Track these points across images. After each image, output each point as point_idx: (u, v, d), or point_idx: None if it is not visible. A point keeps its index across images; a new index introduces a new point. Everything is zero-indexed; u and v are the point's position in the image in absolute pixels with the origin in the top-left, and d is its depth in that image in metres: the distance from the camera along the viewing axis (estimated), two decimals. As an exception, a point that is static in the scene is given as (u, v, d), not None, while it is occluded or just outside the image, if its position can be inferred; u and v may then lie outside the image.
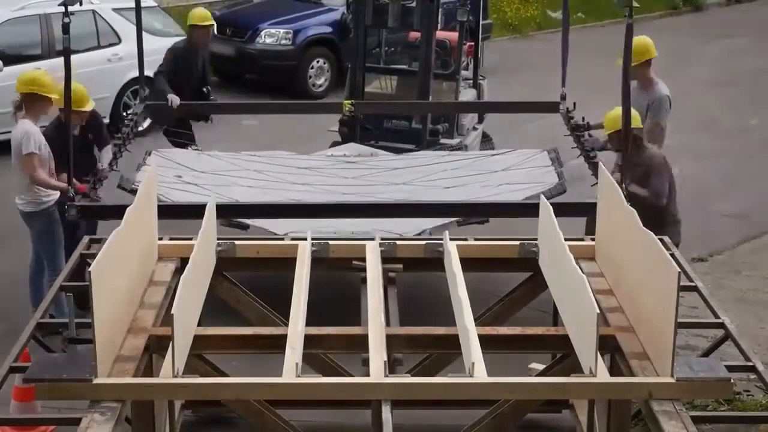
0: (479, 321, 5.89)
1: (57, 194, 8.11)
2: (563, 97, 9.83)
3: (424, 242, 6.33)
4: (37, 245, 8.40)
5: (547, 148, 9.73)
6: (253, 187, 8.93)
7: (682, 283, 4.69)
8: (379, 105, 10.90)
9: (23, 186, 8.17)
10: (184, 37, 11.67)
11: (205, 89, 10.96)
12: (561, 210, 5.99)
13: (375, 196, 8.70)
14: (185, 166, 9.32)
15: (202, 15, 10.99)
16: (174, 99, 10.12)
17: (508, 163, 9.60)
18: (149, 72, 10.63)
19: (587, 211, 6.55)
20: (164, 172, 8.82)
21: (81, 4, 7.35)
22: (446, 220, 8.02)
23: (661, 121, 8.44)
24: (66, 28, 6.97)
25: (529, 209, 6.67)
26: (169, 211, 7.59)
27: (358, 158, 9.87)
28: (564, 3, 10.08)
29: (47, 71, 8.89)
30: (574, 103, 9.61)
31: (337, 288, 7.07)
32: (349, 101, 10.13)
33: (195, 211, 6.48)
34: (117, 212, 7.38)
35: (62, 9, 6.97)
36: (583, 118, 9.08)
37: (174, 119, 10.52)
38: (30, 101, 8.10)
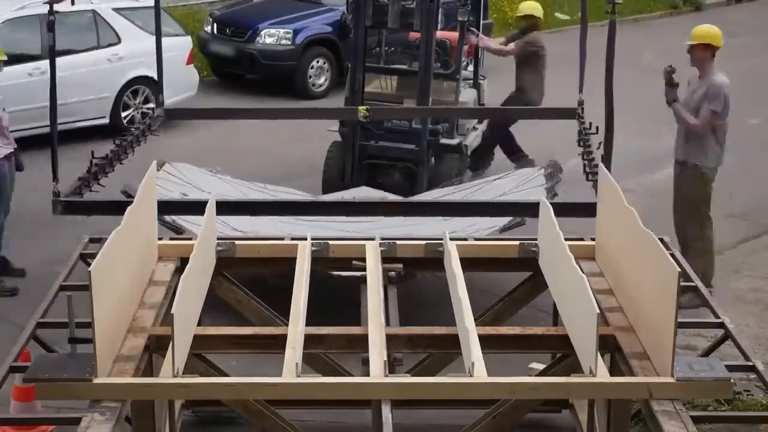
0: (479, 321, 5.89)
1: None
2: (580, 104, 9.61)
3: (424, 242, 6.33)
4: None
5: (545, 164, 9.69)
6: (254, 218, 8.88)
7: (682, 283, 4.69)
8: (392, 111, 10.90)
9: None
10: None
11: None
12: (561, 210, 6.00)
13: (377, 233, 8.66)
14: (193, 184, 9.29)
15: None
16: None
17: (505, 188, 9.60)
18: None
19: (586, 211, 6.55)
20: (171, 186, 8.82)
21: (73, 4, 7.33)
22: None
23: (716, 108, 8.69)
24: (51, 26, 6.94)
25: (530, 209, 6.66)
26: (168, 208, 7.57)
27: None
28: (582, 6, 10.00)
29: None
30: (582, 108, 9.55)
31: (337, 288, 7.06)
32: (365, 107, 10.07)
33: (195, 208, 6.48)
34: (102, 208, 7.41)
35: (60, 9, 6.95)
36: (590, 124, 9.04)
37: None
38: None
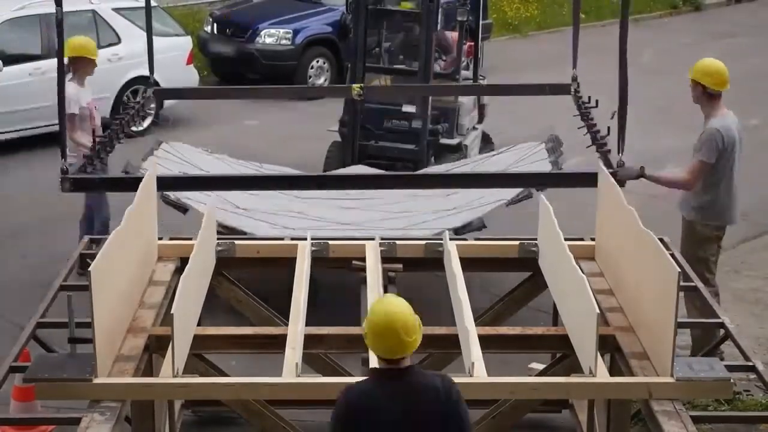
0: (479, 321, 5.89)
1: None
2: (574, 79, 9.51)
3: (424, 242, 6.33)
4: (87, 197, 8.98)
5: (545, 138, 9.63)
6: (255, 195, 8.89)
7: (682, 283, 4.68)
8: (387, 89, 10.85)
9: None
10: None
11: None
12: (564, 180, 5.94)
13: (377, 208, 8.56)
14: (191, 163, 9.29)
15: None
16: None
17: (507, 162, 9.58)
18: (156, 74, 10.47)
19: (587, 181, 6.52)
20: (170, 165, 8.82)
21: None
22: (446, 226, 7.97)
23: (703, 157, 7.50)
24: (59, 27, 6.91)
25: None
26: (165, 184, 7.51)
27: None
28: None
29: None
30: (578, 84, 9.46)
31: (337, 288, 7.07)
32: (359, 86, 9.99)
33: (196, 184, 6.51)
34: (108, 185, 7.55)
35: (61, 8, 6.92)
36: (589, 98, 8.91)
37: None
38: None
